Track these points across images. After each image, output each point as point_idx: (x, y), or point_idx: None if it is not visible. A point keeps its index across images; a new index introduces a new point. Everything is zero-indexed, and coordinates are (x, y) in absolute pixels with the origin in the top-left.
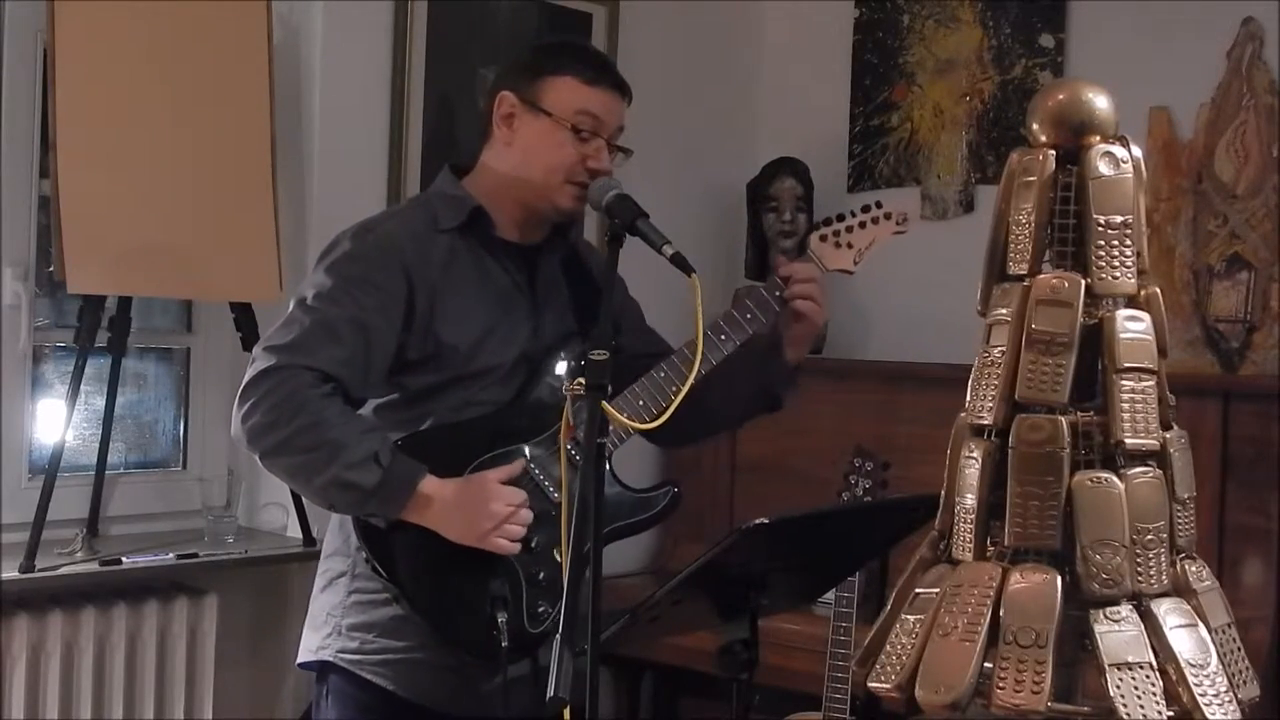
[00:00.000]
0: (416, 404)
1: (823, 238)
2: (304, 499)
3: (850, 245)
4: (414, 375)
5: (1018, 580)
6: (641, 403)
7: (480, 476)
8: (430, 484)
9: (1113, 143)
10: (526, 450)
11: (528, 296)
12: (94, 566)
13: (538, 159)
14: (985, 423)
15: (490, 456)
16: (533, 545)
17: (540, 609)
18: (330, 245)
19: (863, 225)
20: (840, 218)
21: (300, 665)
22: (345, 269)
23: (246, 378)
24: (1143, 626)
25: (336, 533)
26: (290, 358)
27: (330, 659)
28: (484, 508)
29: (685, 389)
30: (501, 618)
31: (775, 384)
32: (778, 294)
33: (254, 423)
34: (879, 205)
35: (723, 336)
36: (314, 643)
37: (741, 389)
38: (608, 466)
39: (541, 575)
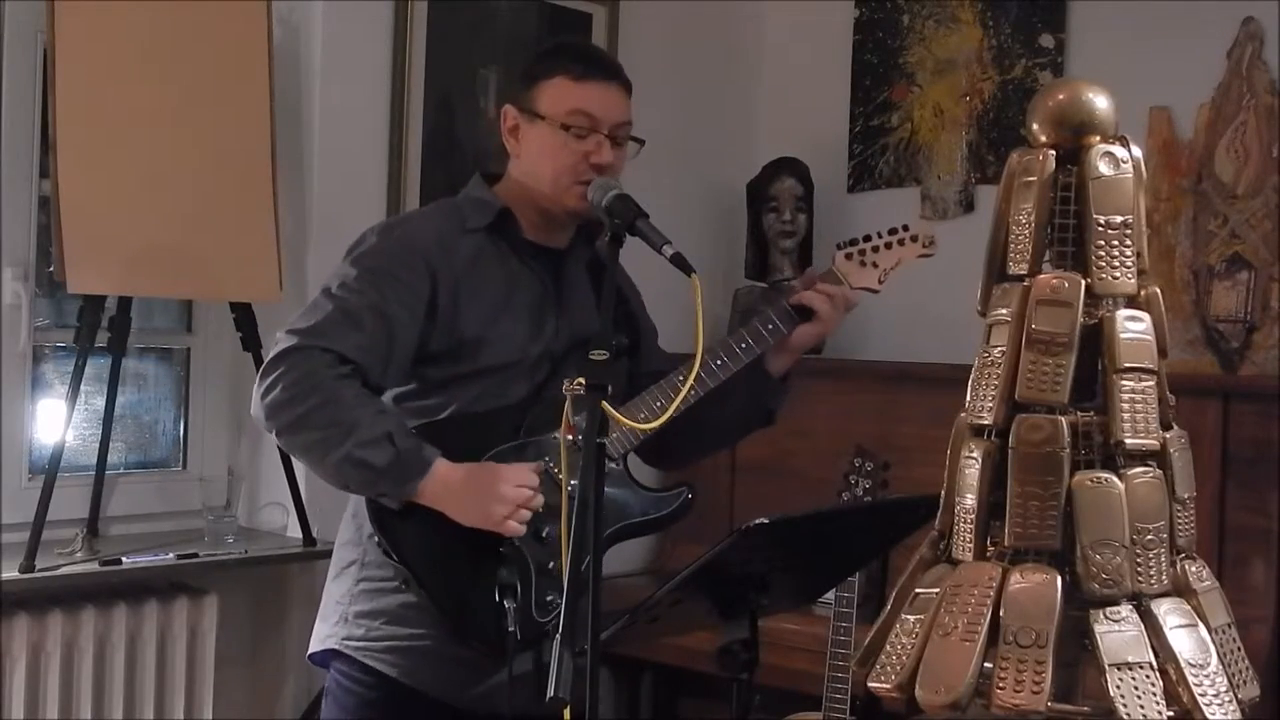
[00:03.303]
0: (436, 395)
1: (848, 256)
2: (302, 487)
3: (876, 265)
4: (436, 367)
5: (1018, 580)
6: (659, 403)
7: (492, 463)
8: (442, 466)
9: (1113, 143)
10: (542, 444)
11: (552, 296)
12: (94, 566)
13: (542, 165)
14: (985, 423)
15: (507, 447)
16: (544, 535)
17: (550, 598)
18: (358, 240)
19: (889, 246)
20: (866, 238)
21: (310, 657)
22: (370, 261)
23: (267, 358)
24: (1143, 626)
25: (349, 522)
26: (311, 340)
27: (336, 646)
28: (495, 489)
29: (687, 387)
30: (510, 605)
31: (765, 397)
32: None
33: (272, 399)
34: (906, 228)
35: (743, 345)
36: (324, 631)
37: (733, 405)
38: (623, 466)
39: (552, 565)
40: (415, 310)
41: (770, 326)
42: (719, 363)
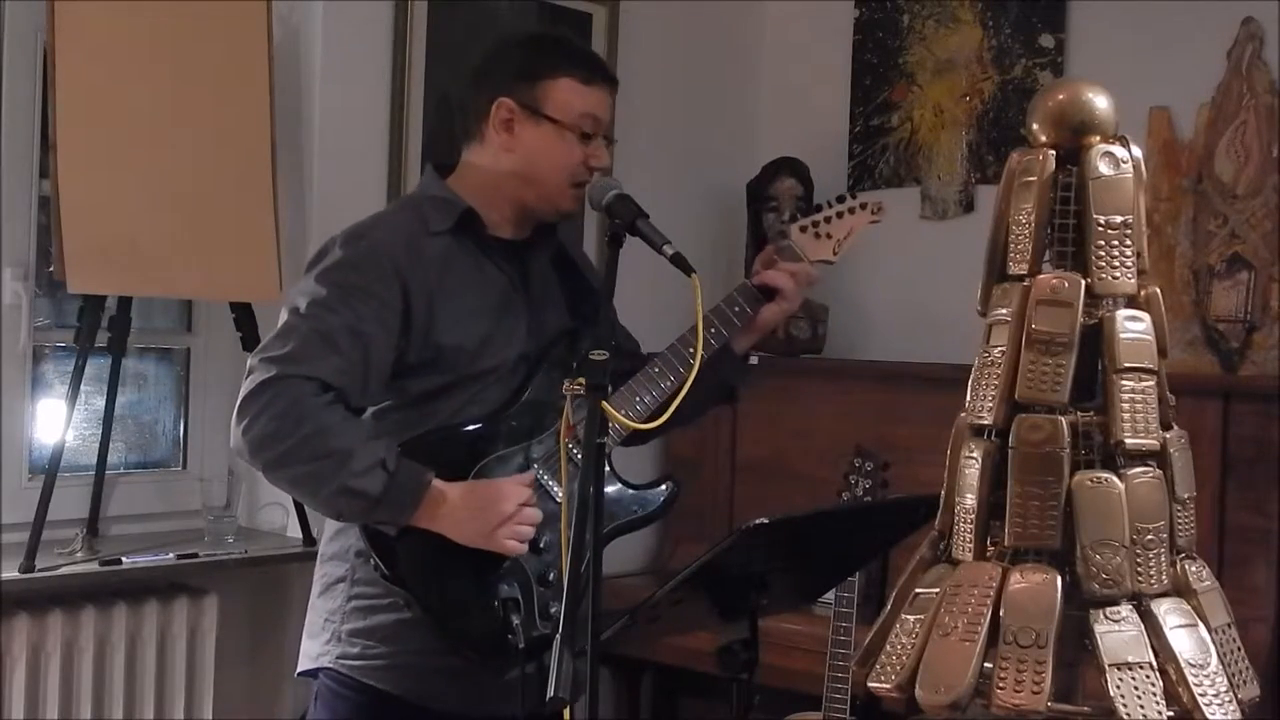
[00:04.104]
0: (417, 408)
1: (802, 229)
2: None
3: (829, 236)
4: (415, 379)
5: (1018, 580)
6: (638, 399)
7: (487, 480)
8: (437, 487)
9: (1113, 143)
10: (529, 450)
11: (522, 295)
12: (94, 566)
13: (544, 164)
14: (985, 423)
15: (494, 458)
16: (541, 545)
17: (553, 609)
18: (320, 252)
19: (840, 215)
20: (818, 208)
21: (301, 675)
22: (339, 277)
23: (245, 389)
24: (1143, 626)
25: (333, 539)
26: (289, 368)
27: (330, 665)
28: (493, 508)
29: (687, 387)
30: (515, 620)
31: (729, 376)
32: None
33: (255, 434)
34: (854, 196)
35: (712, 330)
36: (314, 650)
37: (699, 385)
38: (609, 465)
39: (552, 575)
40: (390, 325)
41: (737, 309)
42: (691, 350)
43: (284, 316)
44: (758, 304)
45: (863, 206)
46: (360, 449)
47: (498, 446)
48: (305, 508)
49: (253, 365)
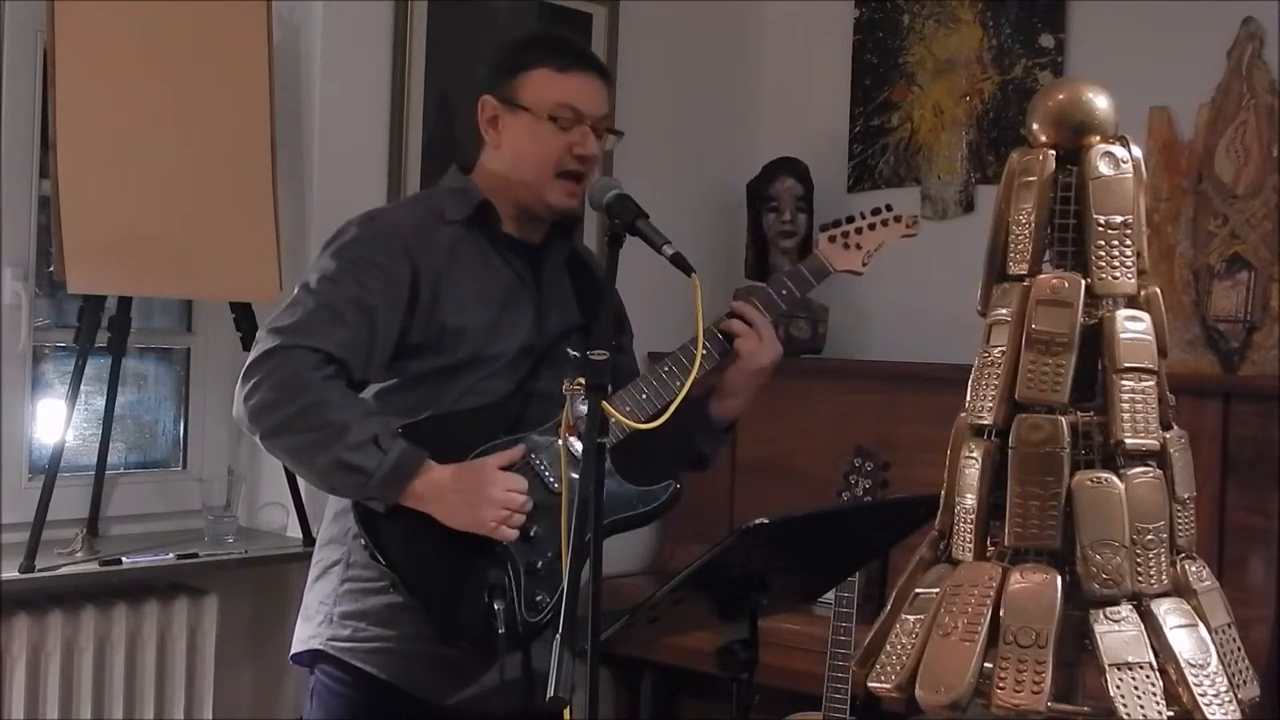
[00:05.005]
0: (417, 390)
1: (831, 238)
2: (302, 487)
3: (859, 246)
4: (417, 360)
5: (1018, 580)
6: (645, 395)
7: (480, 462)
8: (431, 469)
9: (1113, 143)
10: (528, 441)
11: (532, 290)
12: (94, 566)
13: (525, 156)
14: (985, 423)
15: (491, 446)
16: (531, 534)
17: (538, 598)
18: (337, 232)
19: (872, 227)
20: (849, 219)
21: (293, 658)
22: (349, 252)
23: (250, 358)
24: (1143, 626)
25: (332, 523)
26: (294, 339)
27: (321, 647)
28: (484, 493)
29: (687, 386)
30: (499, 605)
31: (699, 437)
32: (781, 293)
33: (256, 402)
34: (889, 208)
35: (719, 336)
36: (306, 633)
37: (667, 437)
38: (609, 460)
39: (540, 565)
40: (396, 300)
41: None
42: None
43: (295, 291)
44: (774, 308)
45: (897, 219)
46: (357, 424)
47: (496, 435)
48: (305, 507)
49: (260, 336)
